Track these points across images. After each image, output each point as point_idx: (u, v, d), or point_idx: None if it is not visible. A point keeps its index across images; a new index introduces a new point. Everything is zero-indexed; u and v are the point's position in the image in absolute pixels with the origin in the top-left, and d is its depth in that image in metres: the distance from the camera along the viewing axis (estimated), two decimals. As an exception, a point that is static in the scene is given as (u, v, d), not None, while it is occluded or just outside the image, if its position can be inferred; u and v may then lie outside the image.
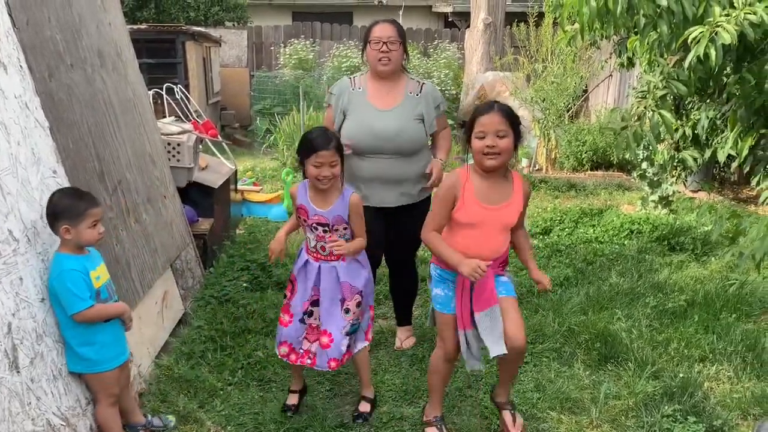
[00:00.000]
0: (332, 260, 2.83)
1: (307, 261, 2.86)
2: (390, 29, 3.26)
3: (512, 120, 2.54)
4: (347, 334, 2.84)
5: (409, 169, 3.31)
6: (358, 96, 3.33)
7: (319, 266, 2.83)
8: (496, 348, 2.59)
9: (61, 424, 2.33)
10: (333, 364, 2.84)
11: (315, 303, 2.86)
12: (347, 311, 2.84)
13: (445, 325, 2.74)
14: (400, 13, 13.56)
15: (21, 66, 2.52)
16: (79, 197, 2.43)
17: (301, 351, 2.90)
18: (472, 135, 2.55)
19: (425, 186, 3.37)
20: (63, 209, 2.36)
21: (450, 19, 16.05)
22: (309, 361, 2.88)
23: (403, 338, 3.71)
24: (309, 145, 2.72)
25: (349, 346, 2.87)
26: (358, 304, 2.86)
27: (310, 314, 2.87)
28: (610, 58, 5.26)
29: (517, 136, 2.57)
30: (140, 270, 3.26)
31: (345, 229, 2.82)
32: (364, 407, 3.02)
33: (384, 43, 3.23)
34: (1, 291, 2.15)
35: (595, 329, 3.73)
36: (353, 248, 2.81)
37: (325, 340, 2.83)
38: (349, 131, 3.29)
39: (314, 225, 2.79)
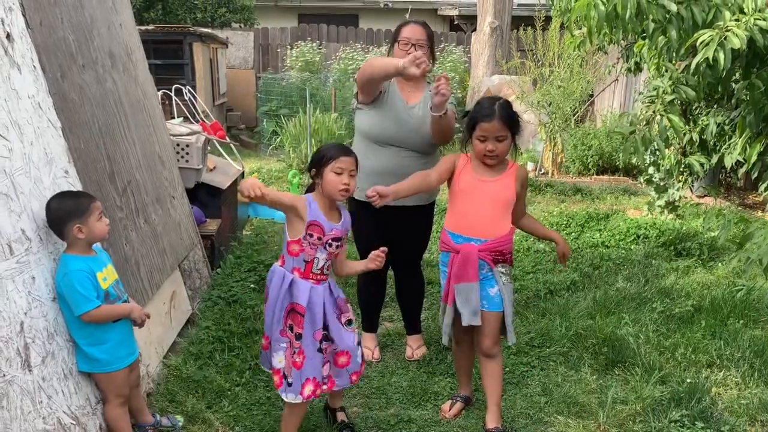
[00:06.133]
0: (326, 279, 2.69)
1: (311, 288, 2.62)
2: (419, 32, 3.28)
3: (512, 123, 2.75)
4: (359, 344, 2.79)
5: (424, 168, 3.31)
6: (390, 86, 3.34)
7: (322, 288, 2.67)
8: (472, 319, 2.79)
9: (72, 423, 2.34)
10: (354, 378, 2.79)
11: (324, 327, 2.68)
12: (350, 323, 2.75)
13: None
14: (406, 15, 13.48)
15: (34, 66, 2.53)
16: (78, 195, 2.46)
17: (323, 380, 2.70)
18: (473, 135, 2.76)
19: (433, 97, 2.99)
20: (69, 210, 2.36)
21: (456, 23, 16.06)
22: (326, 386, 2.72)
23: (415, 347, 3.66)
24: (329, 153, 2.59)
25: (363, 355, 2.83)
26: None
27: (324, 339, 2.69)
28: (617, 62, 5.27)
29: (516, 132, 2.78)
30: (149, 270, 3.27)
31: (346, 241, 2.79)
32: (343, 416, 2.95)
33: (413, 45, 3.25)
34: (14, 290, 2.16)
35: (602, 334, 3.72)
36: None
37: (342, 360, 2.73)
38: (374, 118, 3.30)
39: (329, 241, 2.62)
